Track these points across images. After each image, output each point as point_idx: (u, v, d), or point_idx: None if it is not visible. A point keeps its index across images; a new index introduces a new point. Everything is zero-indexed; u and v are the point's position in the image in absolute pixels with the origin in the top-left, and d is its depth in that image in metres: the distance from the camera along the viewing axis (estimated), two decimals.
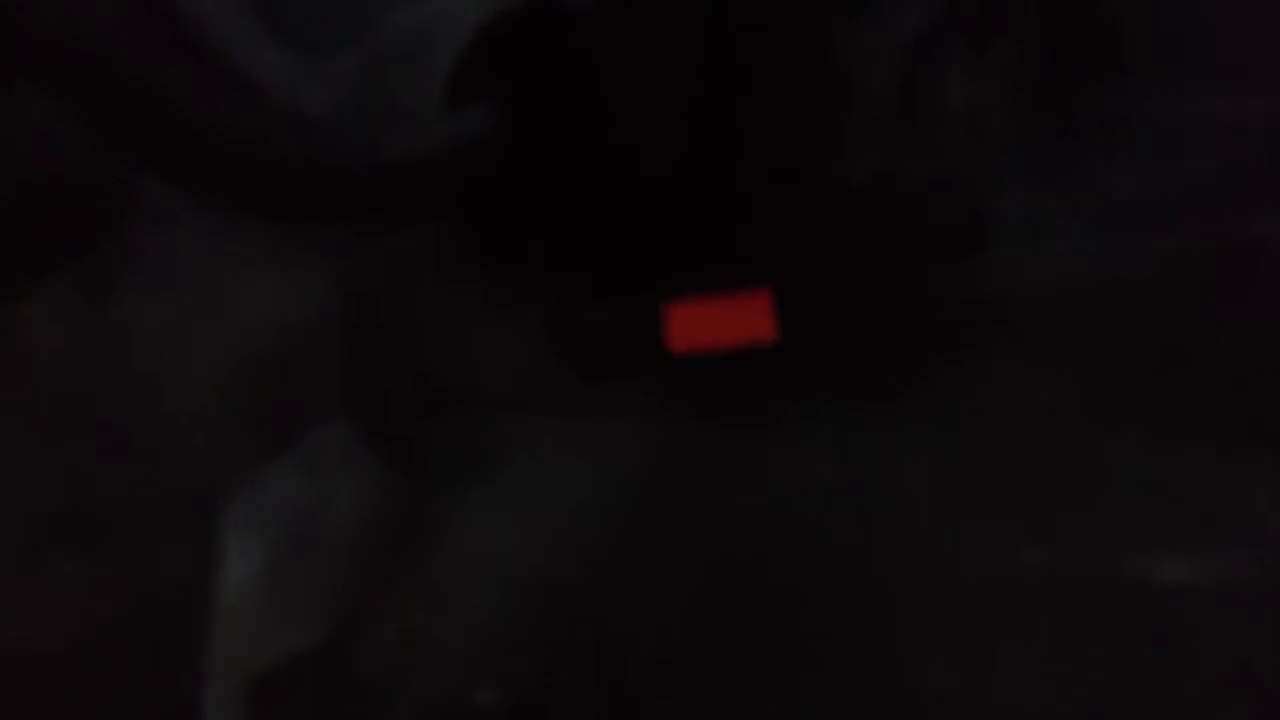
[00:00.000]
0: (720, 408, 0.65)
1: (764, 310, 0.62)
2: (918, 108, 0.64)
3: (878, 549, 0.63)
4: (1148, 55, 0.66)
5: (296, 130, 0.58)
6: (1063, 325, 0.64)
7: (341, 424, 0.65)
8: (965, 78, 0.64)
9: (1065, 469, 0.63)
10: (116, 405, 0.66)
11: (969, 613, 0.62)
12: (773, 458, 0.64)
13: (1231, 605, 0.61)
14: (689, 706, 0.62)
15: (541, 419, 0.65)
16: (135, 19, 0.53)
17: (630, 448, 0.64)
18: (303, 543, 0.64)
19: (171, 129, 0.56)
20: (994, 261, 0.64)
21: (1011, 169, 0.65)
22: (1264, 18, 0.66)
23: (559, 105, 0.62)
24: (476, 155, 0.61)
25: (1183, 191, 0.64)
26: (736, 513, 0.64)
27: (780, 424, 0.64)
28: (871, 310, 0.65)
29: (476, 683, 0.62)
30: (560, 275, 0.64)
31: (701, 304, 0.62)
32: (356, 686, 0.63)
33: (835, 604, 0.62)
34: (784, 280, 0.63)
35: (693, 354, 0.63)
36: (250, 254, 0.66)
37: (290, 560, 0.64)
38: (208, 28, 0.58)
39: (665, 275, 0.63)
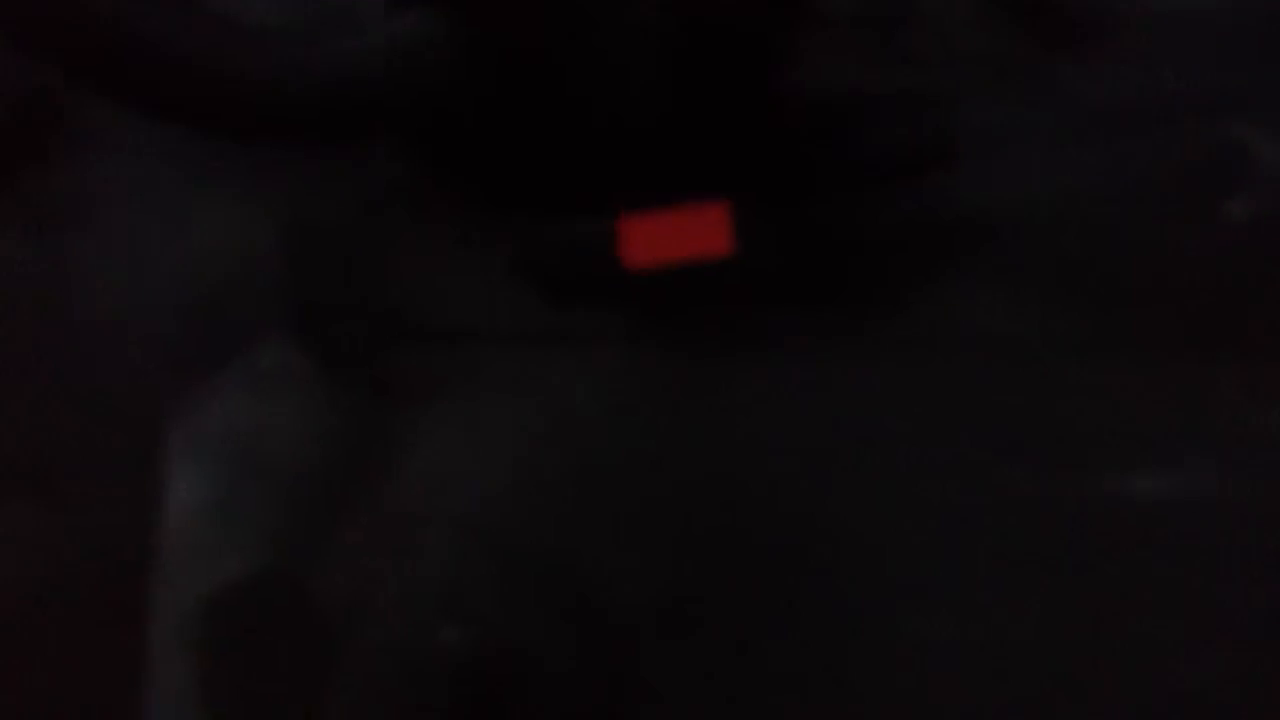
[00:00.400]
0: (685, 335, 0.63)
1: (719, 223, 0.61)
2: (879, 12, 0.62)
3: (849, 474, 0.61)
4: None
5: (235, 42, 0.57)
6: (1032, 240, 0.62)
7: (288, 342, 0.63)
8: None
9: (1037, 387, 0.61)
10: (61, 334, 0.65)
11: (942, 537, 0.60)
12: (740, 383, 0.63)
13: (1204, 519, 0.59)
14: (667, 647, 0.60)
15: (502, 347, 0.64)
16: None
17: (594, 375, 0.63)
18: (248, 465, 0.62)
19: (108, 46, 0.54)
20: (961, 175, 0.63)
21: (977, 75, 0.63)
22: None
23: (506, 10, 0.61)
24: (420, 62, 0.60)
25: (1156, 95, 0.63)
26: (705, 440, 0.62)
27: (747, 348, 0.63)
28: (837, 228, 0.63)
29: (440, 621, 0.61)
30: (517, 196, 0.63)
31: (657, 218, 0.61)
32: (309, 617, 0.61)
33: (811, 531, 0.61)
34: (745, 198, 0.61)
35: (649, 269, 0.61)
36: (198, 180, 0.65)
37: (236, 484, 0.62)
38: None
39: (623, 195, 0.62)
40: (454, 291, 0.64)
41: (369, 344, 0.64)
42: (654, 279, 0.62)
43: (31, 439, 0.65)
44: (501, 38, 0.60)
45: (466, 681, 0.60)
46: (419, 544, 0.62)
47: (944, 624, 0.60)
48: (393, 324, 0.64)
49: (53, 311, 0.65)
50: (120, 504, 0.63)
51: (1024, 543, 0.60)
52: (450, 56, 0.60)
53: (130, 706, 0.61)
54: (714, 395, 0.62)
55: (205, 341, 0.64)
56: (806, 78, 0.62)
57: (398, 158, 0.63)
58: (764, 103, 0.62)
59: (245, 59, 0.57)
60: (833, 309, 0.63)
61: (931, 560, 0.60)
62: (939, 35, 0.63)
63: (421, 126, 0.62)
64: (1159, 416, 0.60)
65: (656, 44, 0.61)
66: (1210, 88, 0.62)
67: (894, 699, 0.59)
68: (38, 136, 0.66)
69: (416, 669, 0.60)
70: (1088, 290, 0.62)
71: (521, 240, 0.63)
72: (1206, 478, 0.60)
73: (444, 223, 0.64)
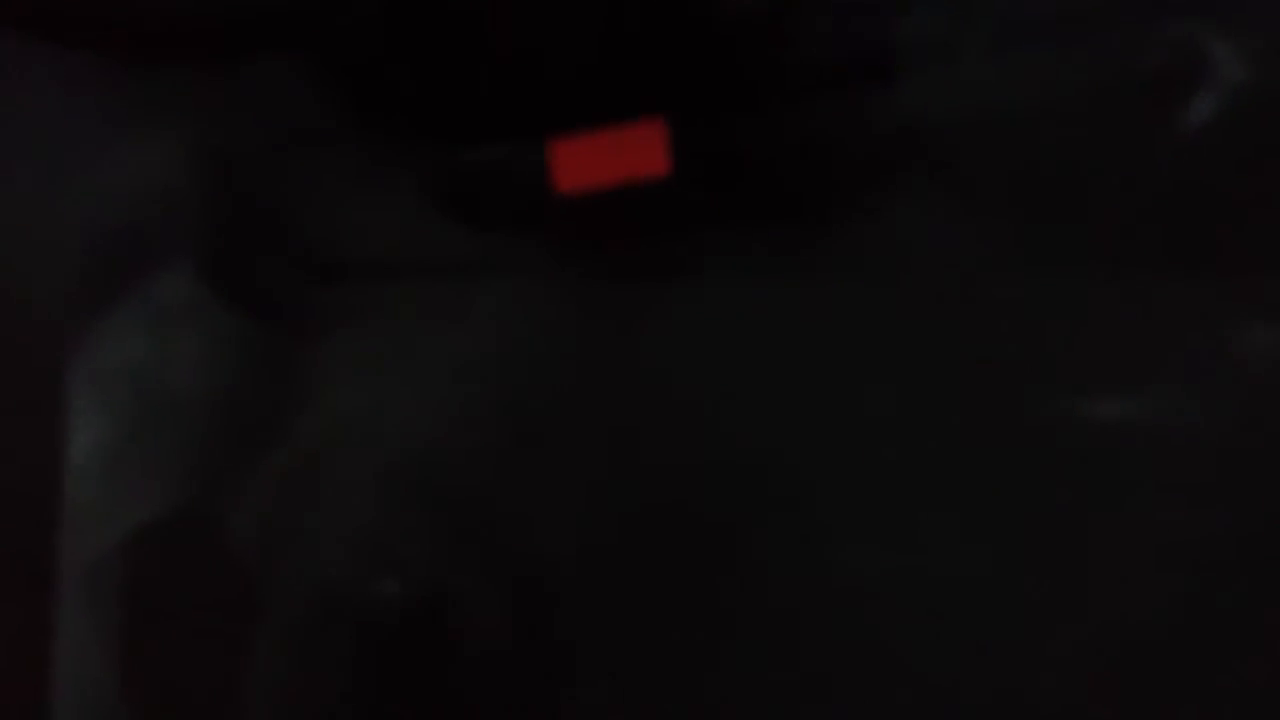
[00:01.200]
0: (617, 261, 0.61)
1: (655, 141, 0.58)
2: None
3: (791, 405, 0.59)
4: None
5: None
6: (978, 154, 0.60)
7: (192, 276, 0.59)
8: None
9: (988, 308, 0.59)
10: None
11: (887, 466, 0.59)
12: (676, 312, 0.60)
13: (1168, 444, 0.57)
14: (598, 589, 0.58)
15: (423, 278, 0.61)
16: None
17: (522, 307, 0.60)
18: (151, 404, 0.59)
19: None
20: (902, 86, 0.60)
21: None
22: None
23: None
24: None
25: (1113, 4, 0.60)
26: (640, 374, 0.60)
27: (682, 274, 0.60)
28: (774, 144, 0.60)
29: (365, 567, 0.58)
30: (436, 119, 0.60)
31: (588, 138, 0.58)
32: (226, 560, 0.59)
33: (750, 466, 0.59)
34: (677, 115, 0.59)
35: (582, 193, 0.59)
36: (101, 110, 0.61)
37: (135, 425, 0.59)
38: None
39: (550, 115, 0.59)
40: (372, 221, 0.61)
41: (283, 276, 0.61)
42: (582, 202, 0.59)
43: None
44: None
45: (393, 627, 0.58)
46: (339, 486, 0.59)
47: (889, 558, 0.58)
48: (307, 255, 0.60)
49: None
50: (21, 452, 0.60)
51: (975, 470, 0.58)
52: None
53: (38, 663, 0.58)
54: (649, 325, 0.60)
55: (109, 280, 0.60)
56: None
57: (307, 81, 0.60)
58: (695, 14, 0.60)
59: None
60: (771, 229, 0.61)
61: (876, 493, 0.58)
62: None
63: (330, 45, 0.59)
64: (1120, 337, 0.58)
65: None
66: None
67: (835, 636, 0.58)
68: None
69: (341, 615, 0.58)
70: (1040, 206, 0.60)
71: (442, 166, 0.60)
72: (1172, 401, 0.58)
73: (359, 148, 0.60)
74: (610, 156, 0.58)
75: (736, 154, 0.60)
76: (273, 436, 0.59)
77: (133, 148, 0.61)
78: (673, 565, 0.58)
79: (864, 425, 0.59)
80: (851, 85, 0.60)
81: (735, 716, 0.58)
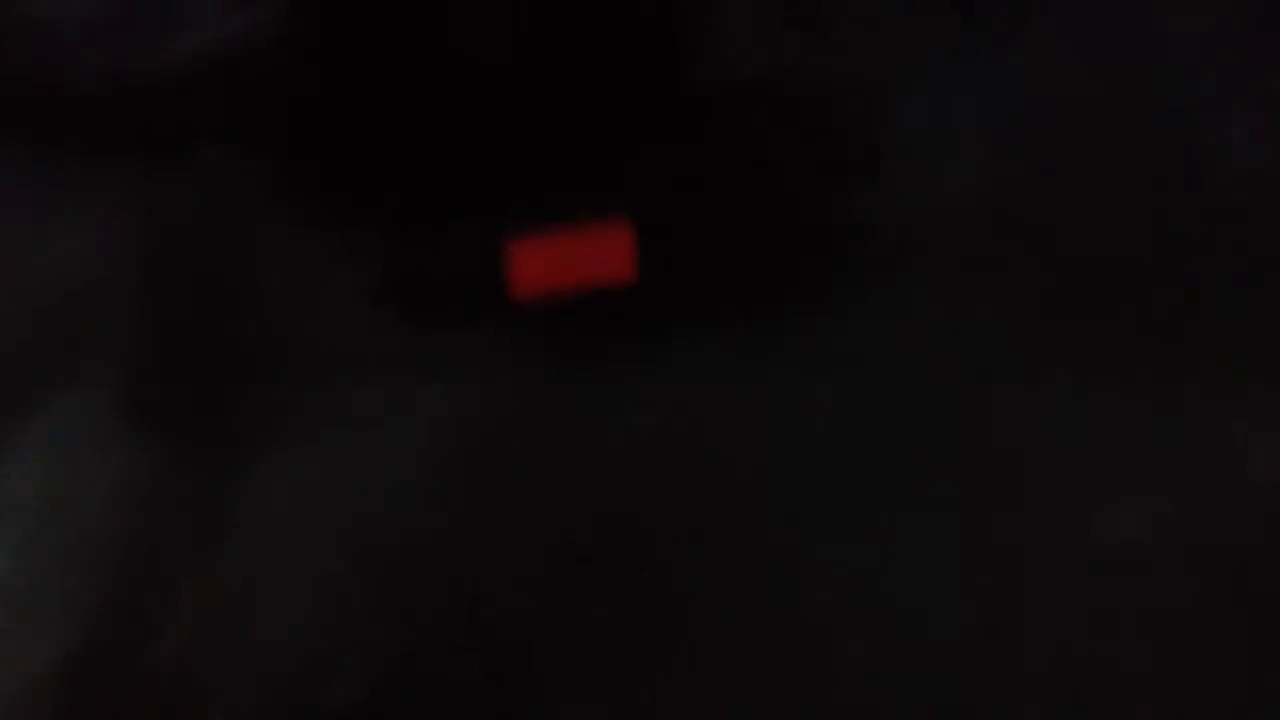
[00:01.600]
0: (574, 357, 0.58)
1: (621, 244, 0.55)
2: None
3: (765, 523, 0.56)
4: None
5: (40, 38, 0.52)
6: (967, 246, 0.57)
7: (96, 390, 0.56)
8: None
9: (979, 415, 0.56)
10: None
11: (866, 575, 0.55)
12: (637, 412, 0.57)
13: (1174, 559, 0.55)
14: (555, 685, 0.55)
15: (367, 378, 0.58)
16: None
17: (472, 408, 0.57)
18: (56, 537, 0.56)
19: None
20: (892, 178, 0.57)
21: (905, 65, 0.57)
22: None
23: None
24: (264, 61, 0.54)
25: (1107, 85, 0.57)
26: (601, 480, 0.57)
27: (647, 377, 0.57)
28: (753, 243, 0.57)
29: (313, 681, 0.56)
30: (382, 211, 0.57)
31: (549, 240, 0.54)
32: (152, 692, 0.55)
33: (719, 560, 0.56)
34: (647, 211, 0.55)
35: (542, 299, 0.55)
36: (19, 196, 0.58)
37: (43, 558, 0.56)
38: None
39: (507, 210, 0.56)
40: (315, 315, 0.58)
41: (217, 380, 0.57)
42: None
43: None
44: (357, 33, 0.53)
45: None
46: (275, 601, 0.56)
47: (878, 686, 0.54)
48: (244, 359, 0.57)
49: None
50: None
51: (966, 589, 0.55)
52: (300, 54, 0.52)
53: None
54: (605, 425, 0.57)
55: (14, 400, 0.56)
56: (715, 72, 0.57)
57: (251, 169, 0.57)
58: (667, 101, 0.57)
59: (60, 63, 0.50)
60: (746, 330, 0.58)
61: (852, 600, 0.55)
62: (865, 20, 0.57)
63: (270, 134, 0.55)
64: (1109, 440, 0.56)
65: (550, 29, 0.54)
66: (1177, 73, 0.56)
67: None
68: None
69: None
70: (1031, 300, 0.57)
71: (391, 262, 0.56)
72: (1176, 516, 0.55)
73: (299, 241, 0.58)
74: (571, 260, 0.54)
75: (710, 251, 0.57)
76: (199, 560, 0.56)
77: (62, 236, 0.58)
78: (629, 649, 0.55)
79: (843, 542, 0.56)
80: (837, 176, 0.57)
81: None
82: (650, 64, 0.56)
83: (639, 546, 0.56)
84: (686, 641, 0.55)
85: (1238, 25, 0.57)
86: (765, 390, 0.57)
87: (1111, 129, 0.57)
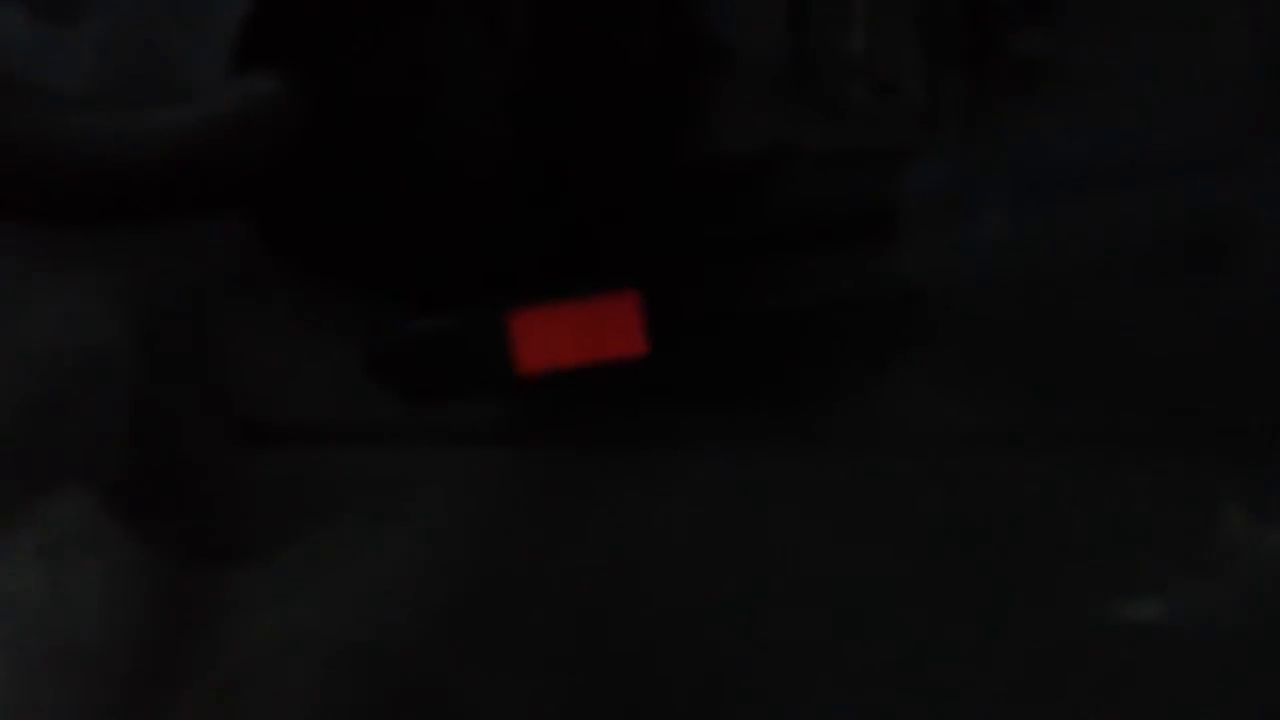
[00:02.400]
0: (582, 431, 0.57)
1: (630, 316, 0.53)
2: (809, 60, 0.55)
3: (773, 597, 0.55)
4: None
5: (39, 109, 0.50)
6: (983, 320, 0.56)
7: (84, 495, 0.55)
8: (866, 20, 0.56)
9: (999, 494, 0.55)
10: None
11: (883, 669, 0.54)
12: (645, 487, 0.56)
13: (1205, 645, 0.54)
14: None
15: (365, 452, 0.57)
16: None
17: (475, 483, 0.56)
18: (40, 645, 0.55)
19: None
20: (907, 247, 0.56)
21: (918, 133, 0.56)
22: None
23: (371, 71, 0.53)
24: (269, 133, 0.52)
25: (1128, 154, 0.56)
26: (606, 556, 0.56)
27: (657, 452, 0.56)
28: (762, 312, 0.56)
29: None
30: (384, 284, 0.55)
31: (555, 313, 0.53)
32: None
33: (724, 655, 0.55)
34: (655, 283, 0.54)
35: (547, 373, 0.54)
36: (13, 276, 0.57)
37: (28, 663, 0.55)
38: None
39: (510, 282, 0.55)
40: (312, 386, 0.57)
41: (209, 469, 0.56)
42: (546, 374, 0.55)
43: None
44: (358, 104, 0.53)
45: None
46: (276, 698, 0.55)
47: None
48: (244, 434, 0.56)
49: None
50: None
51: (977, 671, 0.54)
52: (300, 124, 0.51)
53: None
54: (616, 501, 0.56)
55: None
56: (723, 136, 0.55)
57: (248, 234, 0.56)
58: (674, 168, 0.55)
59: (58, 135, 0.50)
60: (756, 402, 0.57)
61: (864, 689, 0.54)
62: (876, 87, 0.56)
63: (270, 205, 0.54)
64: (1134, 531, 0.54)
65: (552, 105, 0.53)
66: (1197, 142, 0.55)
67: None
68: None
69: None
70: (1051, 380, 0.56)
71: (391, 336, 0.55)
72: (1194, 600, 0.54)
73: (296, 315, 0.57)
74: (580, 333, 0.53)
75: (716, 323, 0.56)
76: (190, 667, 0.55)
77: (47, 310, 0.57)
78: None
79: (851, 617, 0.55)
80: (851, 243, 0.56)
81: None
82: (658, 134, 0.55)
83: (634, 631, 0.55)
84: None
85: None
86: (772, 463, 0.56)
87: (1134, 196, 0.56)
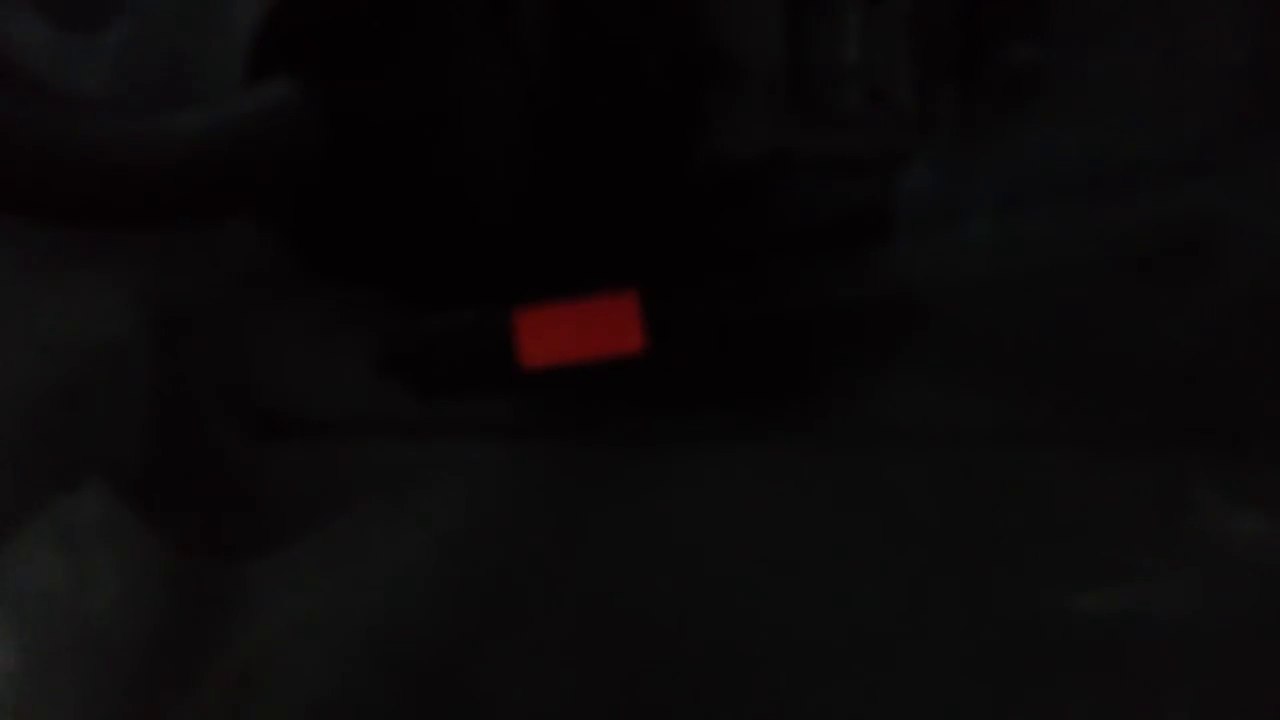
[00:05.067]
0: (589, 430, 0.58)
1: (629, 314, 0.54)
2: (805, 71, 0.56)
3: (770, 586, 0.56)
4: None
5: (63, 115, 0.50)
6: (975, 322, 0.56)
7: (102, 487, 0.56)
8: (859, 31, 0.56)
9: (986, 488, 0.56)
10: None
11: (869, 650, 0.56)
12: (650, 483, 0.57)
13: (1161, 636, 0.54)
14: None
15: (379, 445, 0.58)
16: None
17: (487, 475, 0.57)
18: (62, 634, 0.56)
19: None
20: (899, 251, 0.57)
21: (916, 139, 0.56)
22: None
23: (384, 78, 0.54)
24: (283, 138, 0.53)
25: (1117, 160, 0.56)
26: (613, 549, 0.57)
27: (657, 449, 0.57)
28: (760, 314, 0.57)
29: None
30: (389, 282, 0.56)
31: (556, 310, 0.53)
32: None
33: (724, 644, 0.56)
34: (657, 284, 0.55)
35: (549, 368, 0.55)
36: (17, 266, 0.58)
37: (48, 654, 0.55)
38: None
39: (515, 281, 0.56)
40: (327, 381, 0.58)
41: (223, 462, 0.57)
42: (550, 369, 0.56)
43: None
44: (372, 109, 0.53)
45: None
46: (292, 685, 0.56)
47: None
48: (251, 433, 0.57)
49: None
50: None
51: (962, 658, 0.55)
52: (314, 131, 0.52)
53: None
54: (619, 504, 0.57)
55: (20, 493, 0.56)
56: (722, 144, 0.56)
57: (262, 232, 0.56)
58: (673, 173, 0.56)
59: (75, 137, 0.50)
60: (752, 400, 0.58)
61: (858, 675, 0.55)
62: (869, 96, 0.56)
63: (285, 207, 0.55)
64: (1118, 523, 0.55)
65: (555, 112, 0.54)
66: (1183, 148, 0.56)
67: None
68: None
69: None
70: (1040, 379, 0.56)
71: (403, 329, 0.56)
72: (1165, 591, 0.55)
73: (304, 314, 0.57)
74: (580, 329, 0.54)
75: (716, 324, 0.56)
76: (205, 657, 0.56)
77: (62, 308, 0.58)
78: None
79: (843, 606, 0.56)
80: (845, 246, 0.57)
81: None
82: (661, 141, 0.56)
83: (640, 625, 0.56)
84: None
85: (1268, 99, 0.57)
86: (768, 462, 0.57)
87: (1124, 204, 0.57)
